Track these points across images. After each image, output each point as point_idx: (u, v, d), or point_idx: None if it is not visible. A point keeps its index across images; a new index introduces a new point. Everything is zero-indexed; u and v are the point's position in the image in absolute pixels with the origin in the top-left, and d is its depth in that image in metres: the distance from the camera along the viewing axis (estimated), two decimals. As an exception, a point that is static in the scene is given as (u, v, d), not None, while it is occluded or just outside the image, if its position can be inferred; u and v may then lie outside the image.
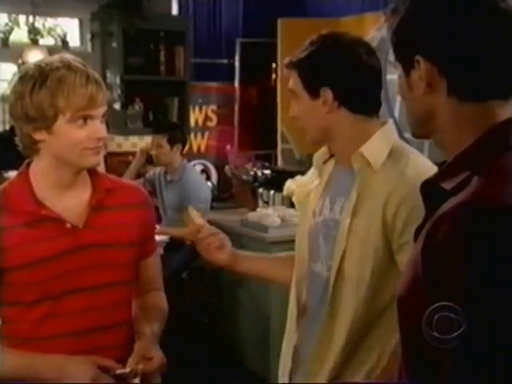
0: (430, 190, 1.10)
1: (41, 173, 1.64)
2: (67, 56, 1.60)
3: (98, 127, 1.58)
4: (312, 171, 1.90)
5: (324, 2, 5.08)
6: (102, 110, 1.58)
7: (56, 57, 1.60)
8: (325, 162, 1.80)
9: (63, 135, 1.56)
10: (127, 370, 1.55)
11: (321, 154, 1.80)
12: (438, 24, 1.05)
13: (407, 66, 1.10)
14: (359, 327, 1.63)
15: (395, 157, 1.63)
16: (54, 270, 1.60)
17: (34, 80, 1.54)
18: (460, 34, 1.04)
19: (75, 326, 1.63)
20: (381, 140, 1.66)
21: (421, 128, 1.15)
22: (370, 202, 1.61)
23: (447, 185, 1.04)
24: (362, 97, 1.67)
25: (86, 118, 1.56)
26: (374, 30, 4.26)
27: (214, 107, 5.49)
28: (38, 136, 1.57)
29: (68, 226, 1.62)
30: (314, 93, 1.66)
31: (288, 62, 1.72)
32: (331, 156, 1.78)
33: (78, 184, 1.66)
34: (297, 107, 1.71)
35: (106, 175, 1.77)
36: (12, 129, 2.88)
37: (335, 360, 1.65)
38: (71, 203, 1.65)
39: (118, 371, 1.55)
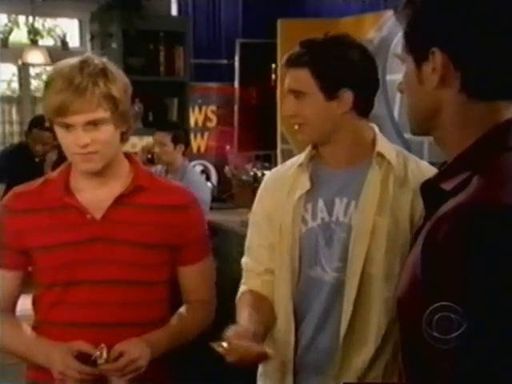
0: (430, 191, 1.10)
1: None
2: (84, 58, 1.60)
3: (77, 135, 1.56)
4: (273, 179, 1.84)
5: (324, 2, 5.08)
6: (80, 118, 1.54)
7: (72, 59, 1.60)
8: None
9: (58, 136, 1.62)
10: (97, 352, 1.56)
11: (306, 157, 1.75)
12: (460, 16, 1.03)
13: (420, 58, 1.07)
14: (389, 323, 1.65)
15: (402, 155, 1.72)
16: (64, 258, 1.64)
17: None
18: (482, 29, 1.02)
19: (82, 318, 1.65)
20: (385, 140, 1.73)
21: (423, 124, 1.13)
22: (395, 199, 1.65)
23: (447, 185, 1.03)
24: (370, 99, 1.71)
25: (65, 125, 1.57)
26: (374, 30, 4.26)
27: (213, 108, 5.49)
28: (56, 130, 1.63)
29: (88, 216, 1.65)
30: (331, 94, 1.64)
31: (297, 61, 1.66)
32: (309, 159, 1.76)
33: (111, 180, 1.68)
34: (303, 106, 1.67)
35: (151, 174, 1.78)
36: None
37: (370, 350, 1.67)
38: (100, 196, 1.67)
39: (93, 357, 1.56)
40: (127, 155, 1.74)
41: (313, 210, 1.72)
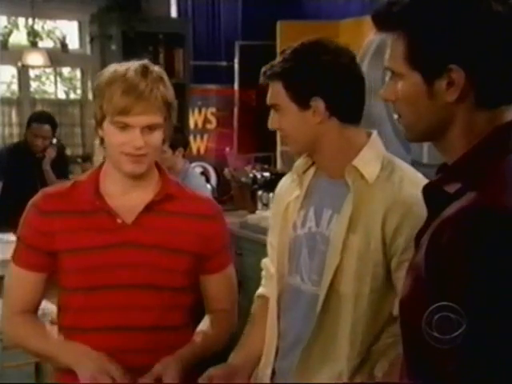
0: (433, 194, 1.10)
1: (108, 171, 1.71)
2: (144, 63, 1.63)
3: (134, 136, 1.59)
4: (286, 181, 1.82)
5: (323, 4, 5.08)
6: (141, 119, 1.58)
7: (133, 63, 1.63)
8: (304, 171, 1.73)
9: (108, 134, 1.62)
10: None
11: (302, 163, 1.72)
12: (477, 33, 1.03)
13: (432, 75, 1.06)
14: (359, 344, 1.59)
15: (388, 169, 1.60)
16: (93, 261, 1.65)
17: (99, 80, 1.63)
18: (498, 44, 1.03)
19: (108, 322, 1.65)
20: (372, 152, 1.63)
21: (428, 134, 1.12)
22: (367, 217, 1.57)
23: (450, 188, 1.04)
24: (351, 106, 1.63)
25: (124, 125, 1.59)
26: (374, 32, 4.26)
27: (213, 110, 5.49)
28: (99, 132, 1.65)
29: (119, 221, 1.66)
30: (303, 104, 1.60)
31: (269, 74, 1.66)
32: (311, 165, 1.72)
33: (142, 185, 1.70)
34: (281, 119, 1.64)
35: (178, 183, 1.80)
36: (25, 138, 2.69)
37: (341, 370, 1.61)
38: (130, 201, 1.68)
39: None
40: (156, 163, 1.75)
41: (304, 218, 1.69)
